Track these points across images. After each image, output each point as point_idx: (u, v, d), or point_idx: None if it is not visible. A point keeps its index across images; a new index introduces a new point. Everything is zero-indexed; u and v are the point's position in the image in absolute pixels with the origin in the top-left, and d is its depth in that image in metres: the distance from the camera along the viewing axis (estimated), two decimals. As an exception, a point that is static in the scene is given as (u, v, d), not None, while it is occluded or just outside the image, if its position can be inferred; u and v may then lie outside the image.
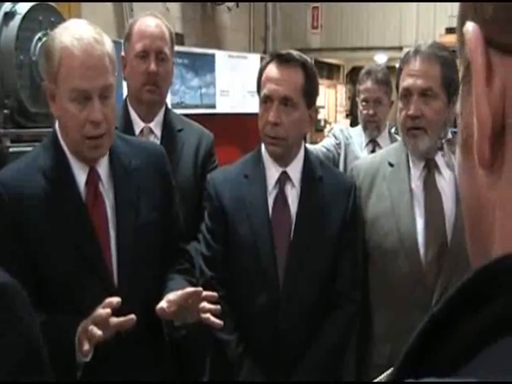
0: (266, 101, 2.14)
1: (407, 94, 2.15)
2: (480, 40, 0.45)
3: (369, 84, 3.69)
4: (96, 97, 1.81)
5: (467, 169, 0.49)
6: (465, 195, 0.51)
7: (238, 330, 2.17)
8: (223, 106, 6.50)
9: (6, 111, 2.83)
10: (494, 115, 0.44)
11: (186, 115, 2.85)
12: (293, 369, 2.11)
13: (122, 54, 2.51)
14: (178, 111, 5.00)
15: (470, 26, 0.45)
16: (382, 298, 2.25)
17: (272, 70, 2.14)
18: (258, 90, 2.19)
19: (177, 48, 5.80)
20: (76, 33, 1.82)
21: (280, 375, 2.12)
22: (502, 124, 0.44)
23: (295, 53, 2.18)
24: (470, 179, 0.49)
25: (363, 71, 3.80)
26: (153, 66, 2.44)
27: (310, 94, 2.17)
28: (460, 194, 0.53)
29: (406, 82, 2.15)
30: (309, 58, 2.21)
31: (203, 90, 6.32)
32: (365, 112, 3.71)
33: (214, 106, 6.42)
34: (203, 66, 6.30)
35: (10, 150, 2.79)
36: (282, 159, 2.20)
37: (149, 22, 2.50)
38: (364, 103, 3.71)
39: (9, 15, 2.90)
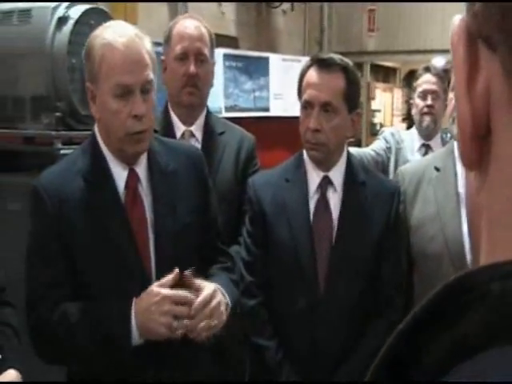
0: (306, 106, 2.13)
1: None
2: (463, 34, 0.41)
3: (427, 77, 3.54)
4: (138, 91, 1.82)
5: None
6: (467, 189, 0.48)
7: (276, 336, 2.15)
8: (277, 110, 6.49)
9: (57, 114, 2.88)
10: (476, 117, 0.40)
11: (240, 118, 2.82)
12: (330, 377, 2.08)
13: (162, 57, 2.50)
14: (232, 114, 5.02)
15: (456, 20, 0.43)
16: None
17: (312, 75, 2.12)
18: (299, 95, 2.18)
19: (231, 51, 5.85)
20: (118, 30, 1.85)
21: (317, 382, 2.10)
22: (486, 124, 0.40)
23: (336, 57, 2.15)
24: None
25: (421, 67, 3.68)
26: (192, 68, 2.43)
27: (351, 98, 2.14)
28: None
29: None
30: (350, 62, 2.17)
31: (257, 94, 6.33)
32: (422, 104, 3.52)
33: (267, 110, 6.42)
34: (257, 69, 6.31)
35: (61, 151, 2.84)
36: (324, 164, 2.18)
37: (188, 24, 2.49)
38: (421, 95, 3.54)
39: (62, 20, 2.96)
